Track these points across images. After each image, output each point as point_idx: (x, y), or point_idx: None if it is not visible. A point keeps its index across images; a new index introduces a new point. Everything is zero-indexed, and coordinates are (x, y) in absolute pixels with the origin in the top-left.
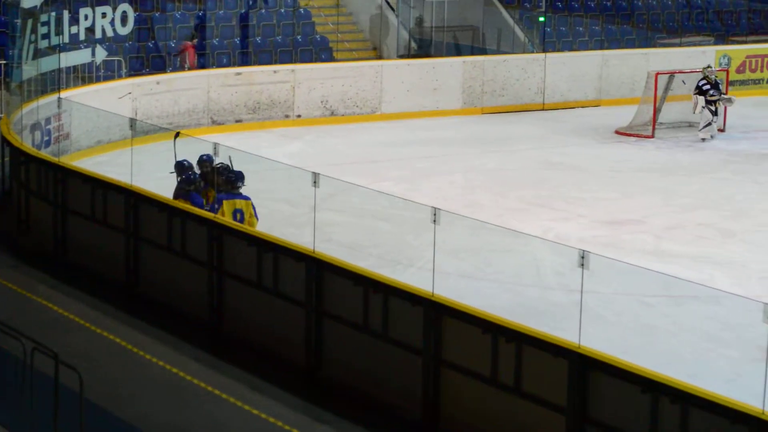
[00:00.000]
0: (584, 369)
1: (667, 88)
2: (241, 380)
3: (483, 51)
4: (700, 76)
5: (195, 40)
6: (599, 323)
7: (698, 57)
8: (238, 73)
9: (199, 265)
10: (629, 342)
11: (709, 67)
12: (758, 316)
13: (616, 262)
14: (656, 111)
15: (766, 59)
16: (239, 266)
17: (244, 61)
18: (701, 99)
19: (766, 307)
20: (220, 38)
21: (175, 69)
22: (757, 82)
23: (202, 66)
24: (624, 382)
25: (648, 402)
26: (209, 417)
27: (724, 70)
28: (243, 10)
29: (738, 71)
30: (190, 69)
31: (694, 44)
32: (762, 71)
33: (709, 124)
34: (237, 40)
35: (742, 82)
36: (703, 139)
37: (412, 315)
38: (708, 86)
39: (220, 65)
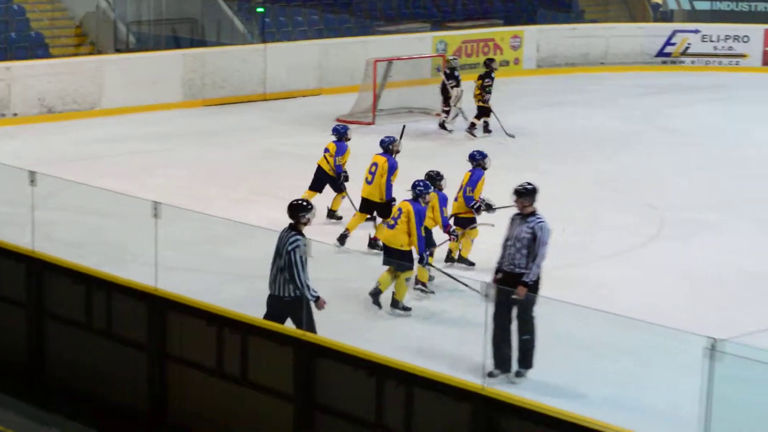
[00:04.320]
0: (311, 356)
1: (386, 76)
2: None
3: (203, 43)
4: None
5: None
6: None
7: (416, 44)
8: None
9: None
10: None
11: (453, 58)
12: None
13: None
14: (376, 98)
15: (481, 44)
16: None
17: None
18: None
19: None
20: None
21: None
22: (473, 66)
23: None
24: (350, 367)
25: (374, 385)
26: None
27: (441, 56)
28: None
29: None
30: None
31: (412, 31)
32: (478, 56)
33: (447, 112)
34: None
35: (459, 67)
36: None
37: (136, 310)
38: (443, 75)
39: None
